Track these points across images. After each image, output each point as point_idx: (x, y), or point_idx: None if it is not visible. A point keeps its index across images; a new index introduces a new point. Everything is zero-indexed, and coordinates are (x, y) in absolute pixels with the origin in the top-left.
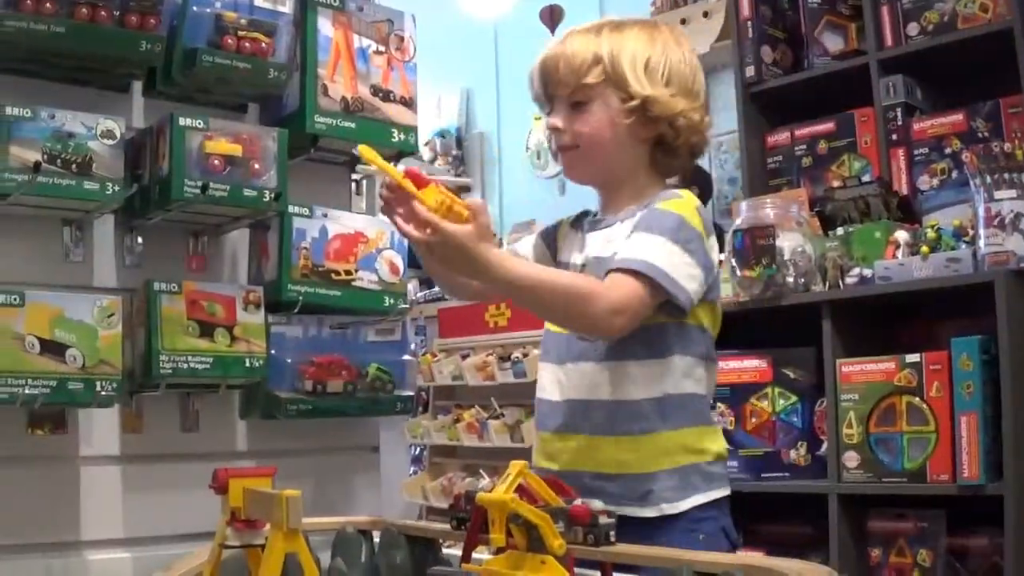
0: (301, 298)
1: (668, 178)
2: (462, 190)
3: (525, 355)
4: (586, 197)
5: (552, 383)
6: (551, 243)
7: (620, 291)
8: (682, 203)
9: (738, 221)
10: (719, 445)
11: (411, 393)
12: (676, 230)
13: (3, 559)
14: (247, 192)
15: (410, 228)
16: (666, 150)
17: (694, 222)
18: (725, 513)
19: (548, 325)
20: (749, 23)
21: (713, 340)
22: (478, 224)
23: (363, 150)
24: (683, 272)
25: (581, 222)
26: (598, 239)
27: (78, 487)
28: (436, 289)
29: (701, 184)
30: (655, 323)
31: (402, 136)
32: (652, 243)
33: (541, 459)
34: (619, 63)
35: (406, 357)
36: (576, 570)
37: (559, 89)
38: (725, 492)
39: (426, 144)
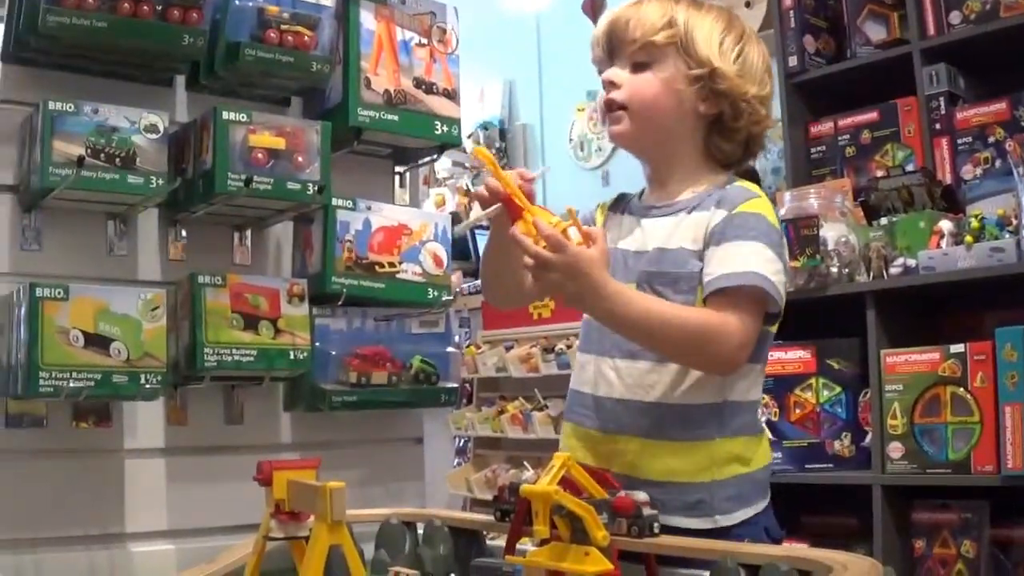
0: (345, 290)
1: (720, 166)
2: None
3: (569, 346)
4: (630, 187)
5: (598, 377)
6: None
7: (742, 324)
8: (763, 203)
9: (782, 212)
10: (767, 453)
11: (455, 385)
12: (768, 234)
13: (48, 551)
14: (291, 185)
15: (529, 241)
16: (723, 132)
17: (776, 223)
18: (769, 515)
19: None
20: (791, 12)
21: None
22: (600, 251)
23: (479, 151)
24: (780, 280)
25: (625, 205)
26: (658, 227)
27: (123, 480)
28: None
29: (754, 181)
30: None
31: (445, 128)
32: (753, 252)
33: (587, 460)
34: (692, 29)
35: (450, 349)
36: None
37: (624, 46)
38: (769, 498)
39: (469, 136)
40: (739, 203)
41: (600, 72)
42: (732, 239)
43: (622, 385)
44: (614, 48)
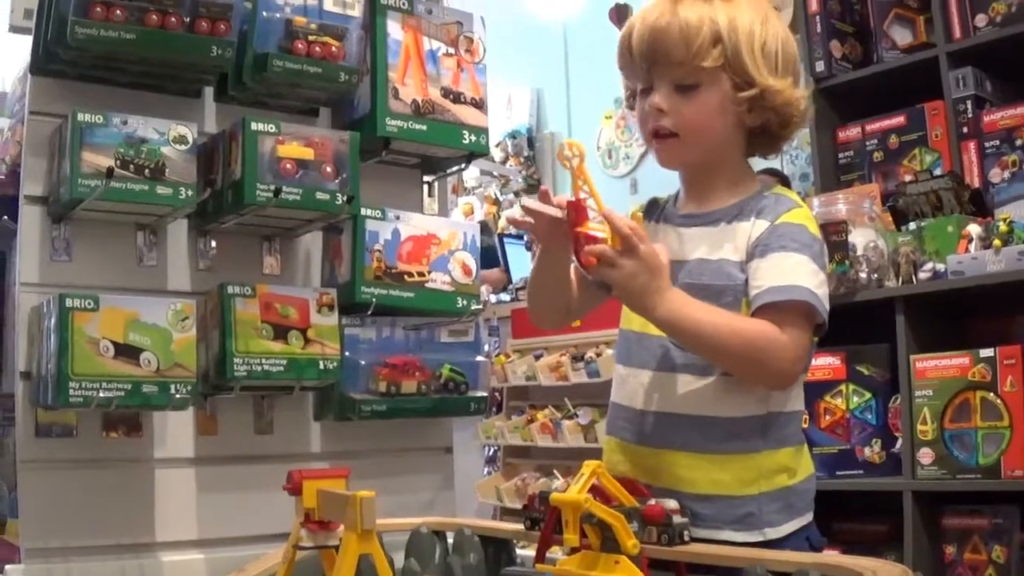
0: (374, 300)
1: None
2: (533, 190)
3: (599, 355)
4: (658, 193)
5: (638, 390)
6: None
7: (795, 338)
8: (804, 213)
9: None
10: (810, 463)
11: (484, 394)
12: (811, 246)
13: (79, 560)
14: (320, 195)
15: (620, 220)
16: (769, 139)
17: (817, 233)
18: (812, 526)
19: (627, 323)
20: (818, 18)
21: None
22: (666, 258)
23: (572, 144)
24: (824, 293)
25: (659, 212)
26: (697, 238)
27: (153, 489)
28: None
29: (784, 184)
30: None
31: (473, 138)
32: (797, 264)
33: (626, 470)
34: (738, 45)
35: (479, 358)
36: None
37: (669, 68)
38: (813, 508)
39: (497, 145)
40: (781, 213)
41: (626, 76)
42: (776, 250)
43: (663, 398)
44: (654, 65)
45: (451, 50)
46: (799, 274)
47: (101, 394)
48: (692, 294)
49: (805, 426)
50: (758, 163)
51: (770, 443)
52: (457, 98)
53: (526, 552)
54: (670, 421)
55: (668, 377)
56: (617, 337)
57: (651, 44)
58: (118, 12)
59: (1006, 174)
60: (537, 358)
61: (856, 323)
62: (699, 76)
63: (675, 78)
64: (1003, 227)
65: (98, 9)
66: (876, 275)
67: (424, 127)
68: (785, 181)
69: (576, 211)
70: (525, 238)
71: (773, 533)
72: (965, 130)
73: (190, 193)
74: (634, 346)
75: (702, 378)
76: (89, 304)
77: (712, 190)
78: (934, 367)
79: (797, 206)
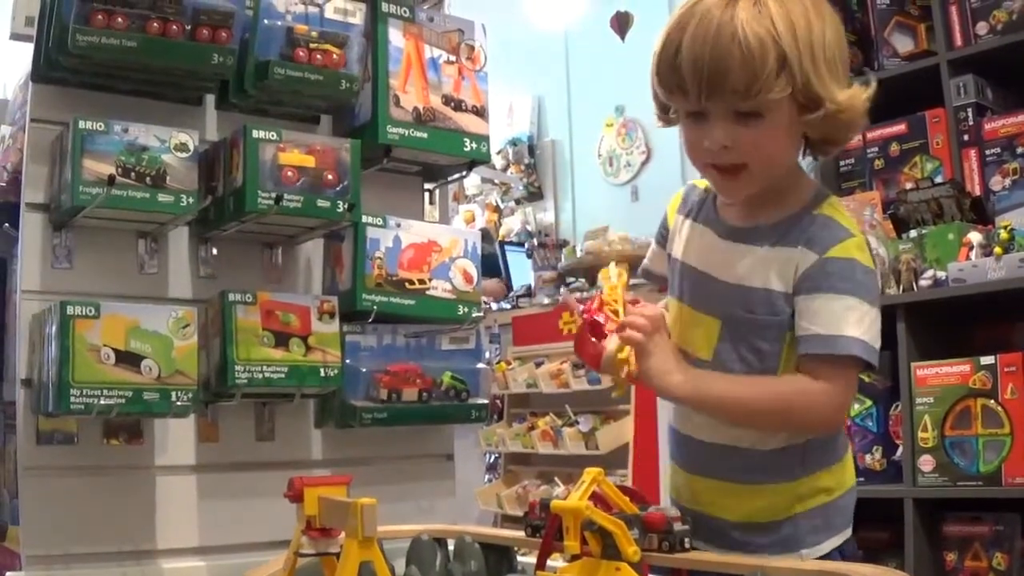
0: (375, 307)
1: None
2: (534, 197)
3: None
4: (661, 206)
5: (688, 419)
6: (663, 241)
7: (839, 389)
8: (855, 244)
9: None
10: (851, 475)
11: (485, 401)
12: (863, 285)
13: (80, 567)
14: (321, 203)
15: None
16: (830, 144)
17: (869, 263)
18: (850, 541)
19: (677, 339)
20: None
21: None
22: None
23: (607, 279)
24: (875, 334)
25: (696, 207)
26: (741, 257)
27: (154, 496)
28: (510, 297)
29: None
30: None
31: (474, 145)
32: (848, 309)
33: (676, 494)
34: (804, 66)
35: (480, 365)
36: None
37: (727, 97)
38: (851, 522)
39: (498, 153)
40: (829, 246)
41: (668, 96)
42: (826, 291)
43: (708, 427)
44: (712, 92)
45: (452, 58)
46: (848, 322)
47: (102, 401)
48: (738, 327)
49: None
50: None
51: (808, 469)
52: (458, 106)
53: (527, 559)
54: (710, 450)
55: None
56: None
57: (711, 72)
58: (119, 20)
59: (1007, 182)
60: (538, 365)
61: None
62: (764, 104)
63: (734, 106)
64: (1004, 235)
65: (99, 17)
66: None
67: (425, 135)
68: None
69: (592, 327)
70: (526, 246)
71: (809, 554)
72: (966, 138)
73: (191, 201)
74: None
75: None
76: (90, 311)
77: (759, 202)
78: (935, 374)
79: (848, 235)
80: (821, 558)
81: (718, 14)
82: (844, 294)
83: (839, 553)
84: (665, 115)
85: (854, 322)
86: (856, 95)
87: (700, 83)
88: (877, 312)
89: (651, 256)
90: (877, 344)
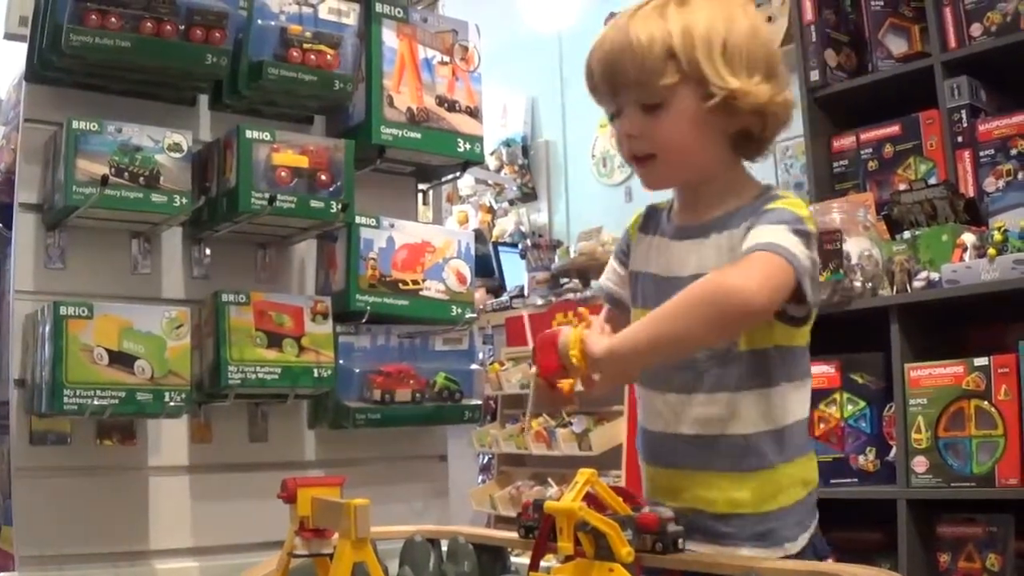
0: (369, 308)
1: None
2: (528, 198)
3: None
4: (654, 202)
5: (655, 414)
6: (626, 260)
7: (752, 269)
8: (797, 203)
9: None
10: (817, 471)
11: (479, 402)
12: (794, 222)
13: (73, 568)
14: (314, 203)
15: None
16: (752, 143)
17: (811, 223)
18: (818, 533)
19: None
20: (812, 27)
21: None
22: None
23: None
24: (810, 269)
25: (656, 224)
26: (691, 252)
27: (147, 497)
28: (503, 299)
29: None
30: (763, 348)
31: (468, 146)
32: (775, 231)
33: (654, 493)
34: (694, 54)
35: (474, 366)
36: None
37: (628, 89)
38: (818, 515)
39: (492, 153)
40: (768, 203)
41: (596, 101)
42: (762, 223)
43: (677, 420)
44: (616, 89)
45: (446, 58)
46: (778, 238)
47: (95, 402)
48: None
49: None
50: None
51: (786, 456)
52: (452, 106)
53: (520, 560)
54: (685, 442)
55: (676, 398)
56: None
57: (608, 69)
58: (113, 20)
59: (1001, 183)
60: (531, 366)
61: (850, 332)
62: (661, 94)
63: (638, 99)
64: (997, 236)
65: (93, 17)
66: (871, 284)
67: (419, 135)
68: None
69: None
70: (519, 247)
71: (792, 548)
72: (960, 139)
73: (185, 201)
74: (653, 368)
75: (710, 395)
76: (83, 312)
77: (703, 199)
78: (928, 376)
79: (790, 198)
80: (799, 552)
81: (622, 23)
82: (777, 223)
83: (813, 549)
84: (612, 121)
85: (786, 241)
86: (759, 87)
87: (604, 81)
88: (815, 260)
89: (611, 277)
90: (812, 284)
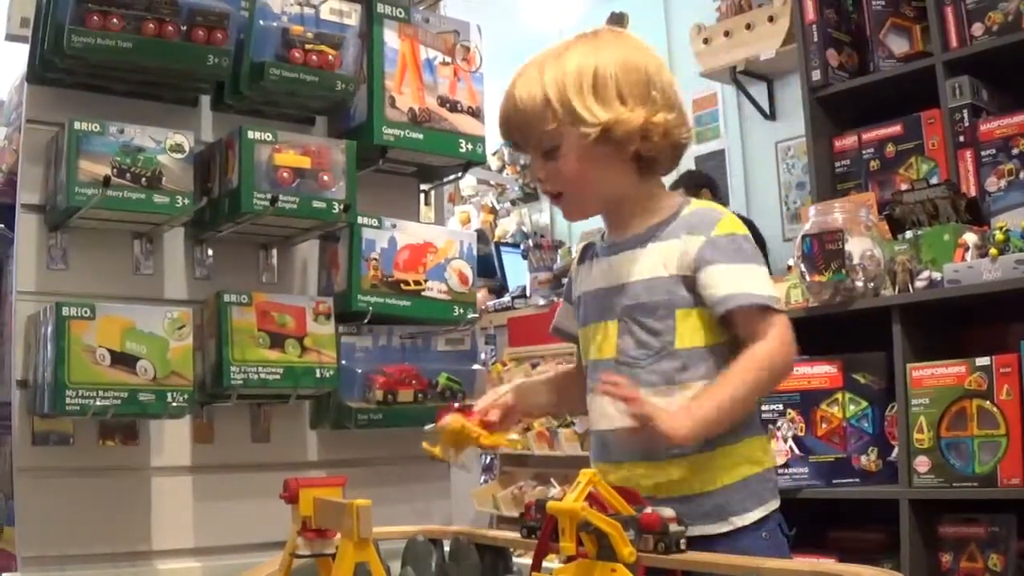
0: (371, 308)
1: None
2: (530, 198)
3: None
4: None
5: (600, 413)
6: (570, 296)
7: (781, 329)
8: (732, 221)
9: (807, 226)
10: (772, 455)
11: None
12: (753, 255)
13: (75, 569)
14: (316, 204)
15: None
16: (648, 161)
17: (747, 234)
18: (779, 514)
19: (587, 355)
20: (814, 27)
21: None
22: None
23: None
24: (774, 288)
25: (591, 252)
26: (625, 262)
27: (149, 498)
28: (505, 299)
29: (711, 187)
30: (697, 347)
31: (470, 146)
32: (751, 274)
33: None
34: (566, 98)
35: (476, 366)
36: None
37: (528, 142)
38: (779, 498)
39: (494, 154)
40: (712, 227)
41: (514, 150)
42: (724, 261)
43: (620, 416)
44: (513, 139)
45: (448, 59)
46: (756, 282)
47: (98, 402)
48: (632, 315)
49: (801, 434)
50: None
51: (728, 440)
52: (454, 107)
53: (523, 560)
54: (623, 435)
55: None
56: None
57: (506, 128)
58: (115, 21)
59: (1002, 183)
60: (534, 366)
61: (852, 331)
62: (551, 138)
63: (536, 147)
64: (999, 236)
65: (95, 18)
66: (872, 284)
67: (421, 136)
68: (711, 184)
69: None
70: (521, 247)
71: (740, 521)
72: (961, 139)
73: (187, 201)
74: (592, 375)
75: (652, 389)
76: (86, 312)
77: (627, 219)
78: (930, 375)
79: (720, 214)
80: (754, 526)
81: (510, 88)
82: (742, 263)
83: (778, 527)
84: None
85: (762, 282)
86: (630, 114)
87: (507, 137)
88: (765, 267)
89: (561, 314)
90: (776, 293)
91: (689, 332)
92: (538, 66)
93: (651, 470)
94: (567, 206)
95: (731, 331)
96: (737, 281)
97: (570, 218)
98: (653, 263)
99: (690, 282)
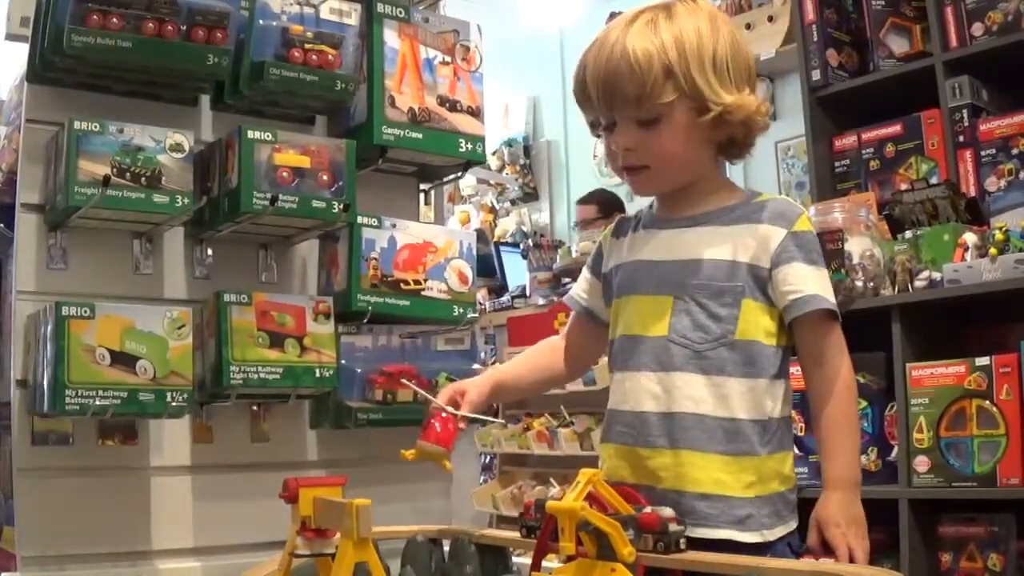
0: (371, 308)
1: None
2: (530, 198)
3: (595, 363)
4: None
5: (638, 393)
6: (598, 269)
7: (839, 340)
8: (808, 217)
9: None
10: (794, 472)
11: None
12: (819, 252)
13: (75, 568)
14: (316, 203)
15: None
16: (736, 146)
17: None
18: (795, 532)
19: (623, 330)
20: (814, 26)
21: None
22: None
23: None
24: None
25: (633, 223)
26: (688, 237)
27: (149, 497)
28: (505, 298)
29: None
30: (754, 340)
31: (469, 146)
32: (824, 278)
33: (632, 477)
34: (690, 71)
35: (476, 366)
36: None
37: (626, 106)
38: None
39: (494, 153)
40: (794, 220)
41: (586, 112)
42: (805, 261)
43: (665, 398)
44: (612, 103)
45: (448, 58)
46: (827, 287)
47: (97, 402)
48: (692, 294)
49: (801, 433)
50: None
51: (769, 447)
52: (453, 106)
53: (522, 560)
54: (672, 421)
55: (668, 377)
56: (610, 347)
57: (606, 85)
58: (114, 20)
59: (1002, 183)
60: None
61: (852, 331)
62: (658, 110)
63: (635, 115)
64: (999, 235)
65: (95, 17)
66: (872, 283)
67: (420, 135)
68: (621, 205)
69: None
70: (521, 247)
71: (769, 535)
72: (961, 139)
73: (186, 201)
74: (630, 350)
75: (704, 376)
76: (85, 312)
77: (691, 198)
78: (930, 375)
79: (802, 211)
80: (774, 543)
81: (614, 36)
82: (818, 266)
83: (788, 546)
84: (595, 129)
85: (830, 288)
86: (747, 99)
87: (600, 97)
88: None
89: (584, 287)
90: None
91: (752, 325)
92: (650, 24)
93: (695, 460)
94: (646, 181)
95: (786, 333)
96: (817, 284)
97: (641, 192)
98: (724, 246)
99: (762, 274)
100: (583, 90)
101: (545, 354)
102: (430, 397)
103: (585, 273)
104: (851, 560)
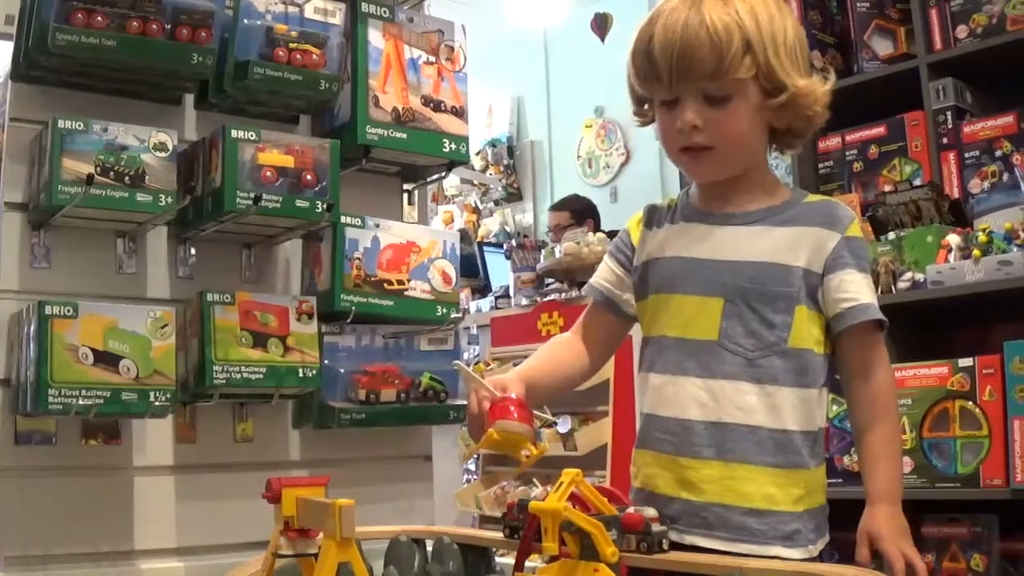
0: (354, 308)
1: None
2: (513, 198)
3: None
4: (639, 207)
5: (687, 399)
6: (626, 260)
7: (883, 353)
8: (856, 224)
9: None
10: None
11: (464, 402)
12: (868, 259)
13: (58, 568)
14: (299, 203)
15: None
16: (792, 136)
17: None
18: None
19: (661, 329)
20: None
21: None
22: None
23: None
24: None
25: (670, 214)
26: (741, 238)
27: (131, 497)
28: (488, 299)
29: (596, 220)
30: (807, 348)
31: (453, 146)
32: (872, 287)
33: (671, 487)
34: (766, 50)
35: (455, 362)
36: None
37: (698, 82)
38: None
39: (477, 154)
40: (847, 225)
41: (644, 86)
42: (857, 268)
43: (716, 406)
44: (686, 76)
45: (432, 58)
46: (872, 295)
47: (80, 401)
48: (747, 299)
49: None
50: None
51: (816, 459)
52: (438, 106)
53: (505, 560)
54: (720, 431)
55: (716, 384)
56: (643, 345)
57: (680, 55)
58: (99, 19)
59: (986, 184)
60: (516, 366)
61: None
62: (732, 87)
63: (705, 90)
64: (982, 237)
65: (79, 15)
66: None
67: (404, 135)
68: (596, 216)
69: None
70: (504, 247)
71: (814, 551)
72: (945, 141)
73: (170, 200)
74: (672, 352)
75: (755, 386)
76: (68, 311)
77: (738, 191)
78: (913, 376)
79: (854, 214)
80: (817, 556)
81: (686, 9)
82: (865, 272)
83: (825, 556)
84: (641, 110)
85: (870, 292)
86: (816, 84)
87: (671, 67)
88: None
89: (607, 277)
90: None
91: (804, 333)
92: (725, 1)
93: (746, 474)
94: (708, 163)
95: (830, 341)
96: (871, 293)
97: (703, 177)
98: (778, 247)
99: (814, 280)
100: (648, 61)
101: (563, 350)
102: (488, 387)
103: (610, 263)
104: (911, 572)
